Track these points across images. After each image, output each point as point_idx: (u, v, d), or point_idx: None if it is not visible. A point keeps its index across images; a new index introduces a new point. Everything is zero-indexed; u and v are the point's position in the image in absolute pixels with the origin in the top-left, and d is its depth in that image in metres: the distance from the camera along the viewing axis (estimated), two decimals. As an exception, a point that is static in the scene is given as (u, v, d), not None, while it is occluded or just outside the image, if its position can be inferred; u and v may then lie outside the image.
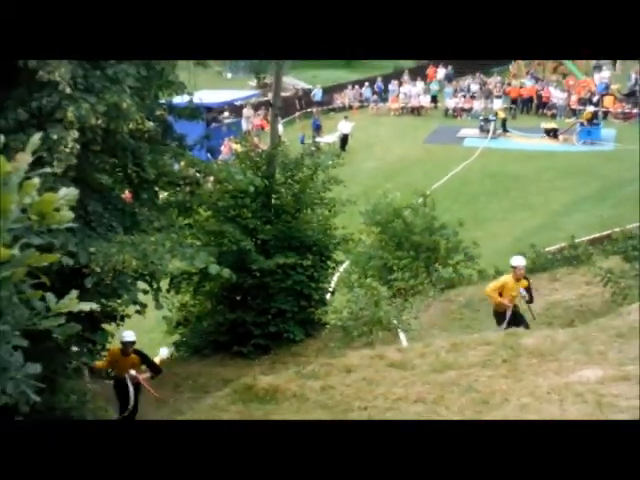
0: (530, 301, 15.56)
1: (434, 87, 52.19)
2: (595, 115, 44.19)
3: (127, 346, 14.12)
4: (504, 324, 15.08)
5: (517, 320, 15.16)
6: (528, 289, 15.35)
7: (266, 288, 17.48)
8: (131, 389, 14.07)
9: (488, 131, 44.71)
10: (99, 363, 14.77)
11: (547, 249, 23.23)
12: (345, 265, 22.95)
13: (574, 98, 47.38)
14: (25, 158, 5.86)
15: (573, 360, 12.06)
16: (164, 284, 13.98)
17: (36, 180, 5.86)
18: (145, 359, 14.82)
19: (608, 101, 46.53)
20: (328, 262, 19.45)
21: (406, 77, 53.55)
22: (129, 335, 14.41)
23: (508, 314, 15.27)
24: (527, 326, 14.94)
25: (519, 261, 15.20)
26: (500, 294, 15.17)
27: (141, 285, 13.02)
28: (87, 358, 13.89)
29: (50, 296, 6.55)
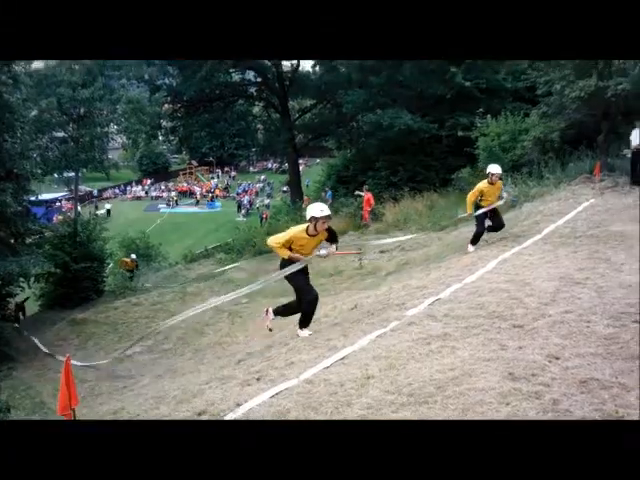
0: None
1: (146, 187, 51.20)
2: (213, 197, 46.07)
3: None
4: (485, 224, 8.69)
5: (497, 219, 8.80)
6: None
7: (78, 277, 16.58)
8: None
9: (170, 205, 44.75)
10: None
11: (197, 252, 24.18)
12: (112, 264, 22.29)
13: (204, 190, 48.67)
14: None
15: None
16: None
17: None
18: None
19: (217, 191, 48.26)
20: (104, 264, 18.85)
21: (134, 183, 52.19)
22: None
23: (486, 216, 8.71)
24: (502, 224, 8.82)
25: (495, 168, 8.57)
26: (481, 199, 8.55)
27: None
28: None
29: None
